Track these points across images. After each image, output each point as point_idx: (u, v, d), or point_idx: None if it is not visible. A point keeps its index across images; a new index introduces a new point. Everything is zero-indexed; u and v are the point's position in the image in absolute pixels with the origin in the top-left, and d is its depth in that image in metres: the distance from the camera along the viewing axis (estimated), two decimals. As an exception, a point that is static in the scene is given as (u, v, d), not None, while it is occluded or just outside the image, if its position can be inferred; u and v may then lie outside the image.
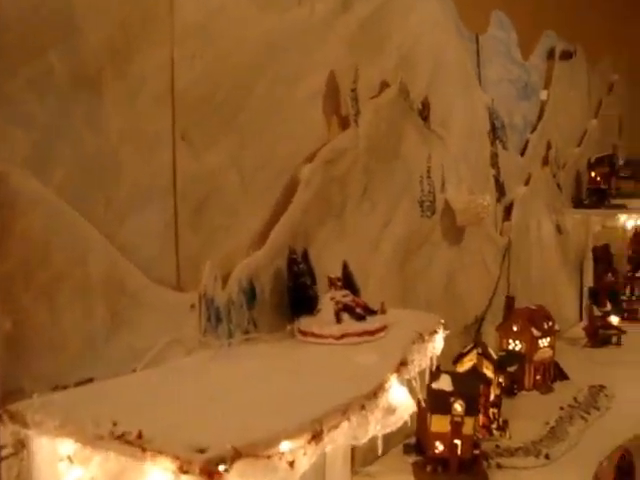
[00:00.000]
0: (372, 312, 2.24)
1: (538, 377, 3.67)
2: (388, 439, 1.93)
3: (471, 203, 3.32)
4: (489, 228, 3.84)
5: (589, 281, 5.48)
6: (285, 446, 1.31)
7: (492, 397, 3.08)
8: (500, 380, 3.19)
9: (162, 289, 1.90)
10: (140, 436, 1.27)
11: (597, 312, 4.69)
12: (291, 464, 1.29)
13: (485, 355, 3.15)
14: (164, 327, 1.90)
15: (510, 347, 3.66)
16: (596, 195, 5.25)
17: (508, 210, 4.14)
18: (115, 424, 1.32)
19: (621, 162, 5.56)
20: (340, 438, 1.47)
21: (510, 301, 3.76)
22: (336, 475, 2.53)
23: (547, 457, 2.84)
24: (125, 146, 1.80)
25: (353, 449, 2.56)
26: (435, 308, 3.15)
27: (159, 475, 1.24)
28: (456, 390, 2.64)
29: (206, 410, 1.47)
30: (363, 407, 1.57)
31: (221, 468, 1.18)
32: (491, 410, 3.07)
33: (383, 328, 2.19)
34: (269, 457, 1.26)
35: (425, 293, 3.24)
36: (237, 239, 2.18)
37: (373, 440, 1.74)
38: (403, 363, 1.89)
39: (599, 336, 4.57)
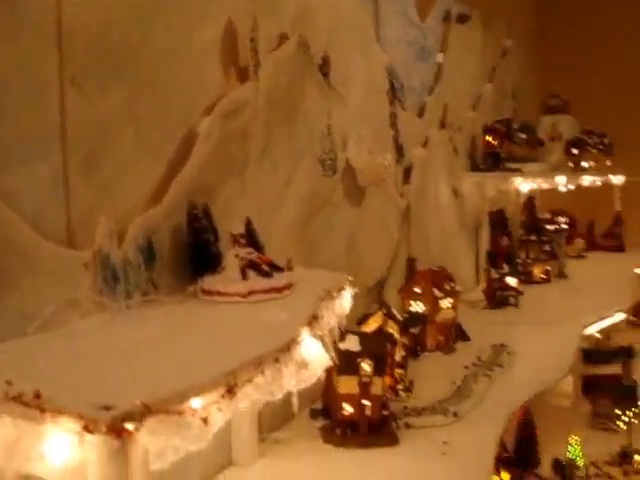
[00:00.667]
0: (278, 269, 2.15)
1: (441, 338, 3.67)
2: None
3: (372, 162, 3.26)
4: (390, 190, 3.80)
5: (486, 245, 5.56)
6: (197, 402, 1.20)
7: (398, 358, 3.05)
8: (404, 341, 3.16)
9: (53, 246, 1.74)
10: (38, 396, 1.14)
11: (495, 275, 4.76)
12: (205, 420, 1.19)
13: (390, 316, 3.11)
14: (56, 288, 1.74)
15: (412, 309, 3.64)
16: (491, 159, 5.31)
17: (407, 172, 4.12)
18: (10, 383, 1.17)
19: (515, 127, 5.64)
20: (255, 393, 1.37)
21: (412, 263, 3.74)
22: (242, 442, 2.44)
23: (455, 415, 2.82)
24: (8, 87, 1.62)
25: (259, 414, 2.47)
26: (337, 269, 3.08)
27: (61, 438, 1.11)
28: (364, 350, 2.59)
29: (109, 370, 1.35)
30: (277, 360, 1.48)
31: (129, 426, 1.07)
32: (397, 371, 3.04)
33: (290, 285, 2.10)
34: (181, 413, 1.15)
35: (328, 253, 3.16)
36: (133, 194, 2.04)
37: (280, 404, 1.65)
38: (314, 317, 1.81)
39: (497, 298, 4.64)
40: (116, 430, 1.05)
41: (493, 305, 4.63)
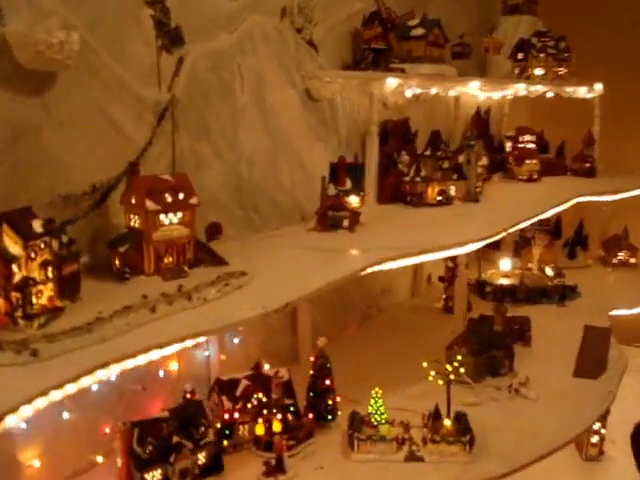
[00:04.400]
0: None
1: (168, 261, 3.03)
2: None
3: (29, 38, 2.60)
4: (126, 80, 3.12)
5: (373, 160, 4.78)
6: None
7: (17, 279, 2.45)
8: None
9: None
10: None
11: (333, 191, 4.01)
12: None
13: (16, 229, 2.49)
14: None
15: (132, 224, 3.01)
16: (372, 57, 4.49)
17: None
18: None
19: (415, 22, 4.76)
20: None
21: (134, 168, 3.08)
22: None
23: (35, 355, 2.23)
24: None
25: None
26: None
27: None
28: None
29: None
30: None
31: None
32: (14, 295, 2.45)
33: None
34: None
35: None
36: None
37: None
38: None
39: (328, 218, 3.90)
40: None
41: (323, 227, 3.91)
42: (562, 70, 5.63)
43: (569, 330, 4.88)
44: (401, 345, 4.58)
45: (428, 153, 4.78)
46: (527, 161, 5.89)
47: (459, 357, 3.58)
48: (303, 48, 4.19)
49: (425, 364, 3.43)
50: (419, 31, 4.70)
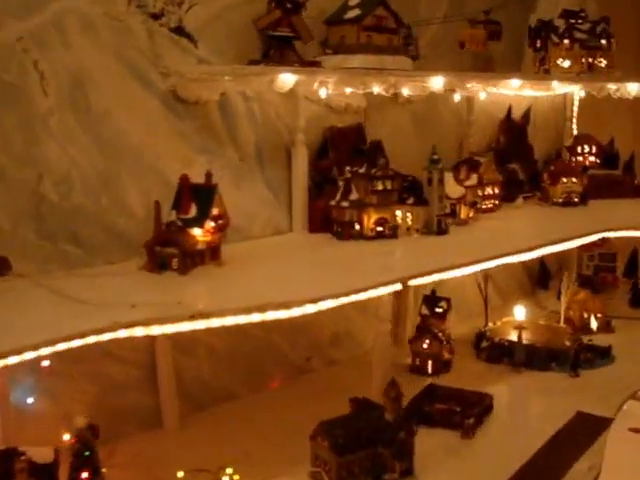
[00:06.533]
0: None
1: None
2: None
3: None
4: None
5: (301, 178, 3.83)
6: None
7: None
8: None
9: None
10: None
11: (174, 218, 3.13)
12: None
13: None
14: None
15: None
16: (276, 48, 3.54)
17: None
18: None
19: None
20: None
21: None
22: None
23: None
24: None
25: None
26: None
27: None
28: None
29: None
30: None
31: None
32: None
33: None
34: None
35: None
36: None
37: None
38: None
39: (157, 256, 3.05)
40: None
41: (152, 266, 3.06)
42: (600, 61, 4.24)
43: (555, 416, 3.59)
44: (319, 413, 3.57)
45: (362, 170, 3.71)
46: (564, 179, 4.56)
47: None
48: (164, 38, 3.33)
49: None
50: (354, 12, 3.66)
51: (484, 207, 4.37)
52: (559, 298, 4.54)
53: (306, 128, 3.86)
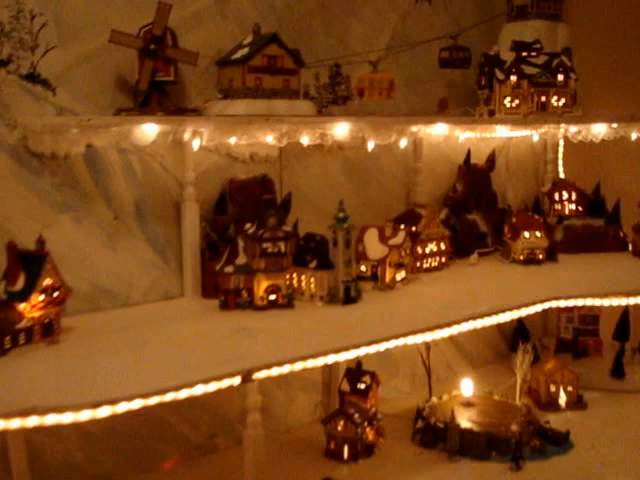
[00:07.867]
0: None
1: None
2: None
3: None
4: None
5: (188, 235, 3.42)
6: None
7: None
8: None
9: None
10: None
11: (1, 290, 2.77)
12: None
13: None
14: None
15: None
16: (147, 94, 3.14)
17: None
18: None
19: (249, 39, 3.29)
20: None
21: None
22: None
23: None
24: None
25: None
26: None
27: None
28: None
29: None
30: None
31: None
32: None
33: None
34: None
35: None
36: None
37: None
38: None
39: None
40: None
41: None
42: (557, 100, 3.64)
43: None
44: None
45: (251, 231, 3.26)
46: (525, 234, 3.98)
47: None
48: (13, 87, 2.99)
49: None
50: (242, 51, 3.24)
51: (426, 267, 3.84)
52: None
53: (204, 180, 3.47)
